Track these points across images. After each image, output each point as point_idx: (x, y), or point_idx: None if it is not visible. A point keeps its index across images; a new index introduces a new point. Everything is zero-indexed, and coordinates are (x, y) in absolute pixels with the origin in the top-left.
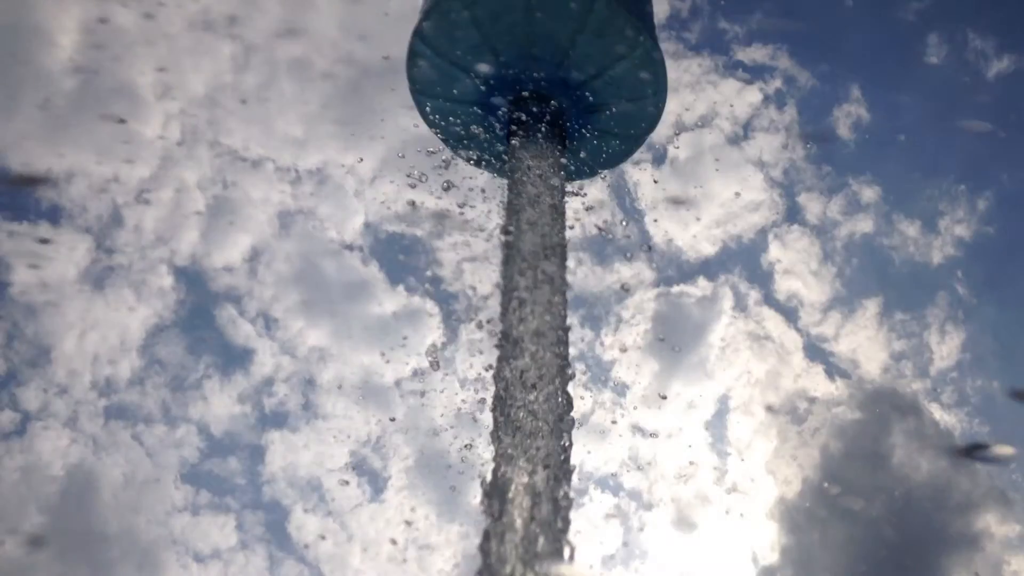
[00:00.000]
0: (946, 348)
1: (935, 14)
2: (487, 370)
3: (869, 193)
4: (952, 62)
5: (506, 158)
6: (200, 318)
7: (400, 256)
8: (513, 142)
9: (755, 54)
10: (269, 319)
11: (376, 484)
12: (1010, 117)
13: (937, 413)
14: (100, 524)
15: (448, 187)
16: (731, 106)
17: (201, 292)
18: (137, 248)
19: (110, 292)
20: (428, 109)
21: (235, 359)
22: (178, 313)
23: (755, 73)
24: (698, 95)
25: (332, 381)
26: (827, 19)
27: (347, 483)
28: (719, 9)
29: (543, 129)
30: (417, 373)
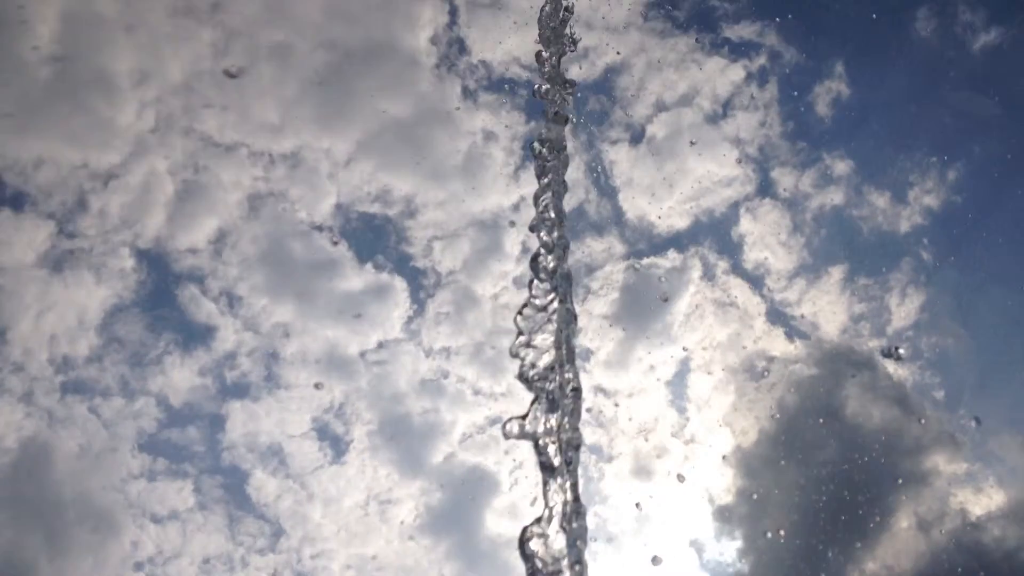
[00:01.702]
0: (905, 310)
1: None
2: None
3: (841, 167)
4: (940, 35)
5: None
6: (162, 298)
7: (370, 235)
8: None
9: (743, 31)
10: (233, 297)
11: (338, 447)
12: (990, 90)
13: (890, 367)
14: (54, 492)
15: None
16: (716, 82)
17: (164, 273)
18: (100, 232)
19: (69, 274)
20: None
21: (196, 336)
22: (139, 294)
23: (741, 51)
24: (682, 74)
25: (295, 355)
26: None
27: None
28: None
29: None
30: (382, 344)
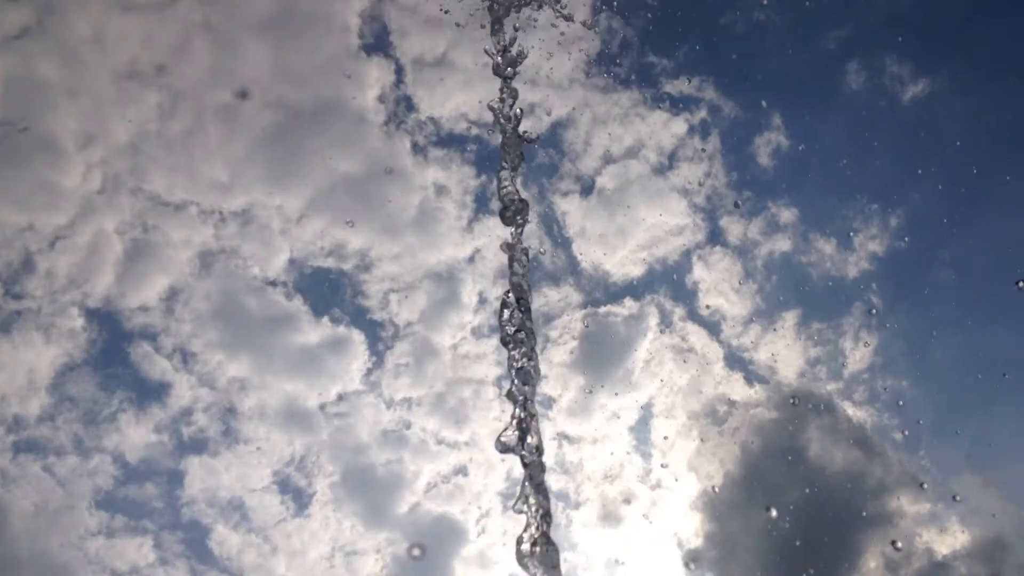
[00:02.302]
0: (859, 353)
1: (856, 41)
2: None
3: (787, 215)
4: (870, 87)
5: None
6: (114, 356)
7: (325, 289)
8: None
9: (681, 86)
10: (187, 354)
11: (301, 500)
12: (921, 138)
13: (850, 410)
14: (10, 550)
15: None
16: (660, 135)
17: (115, 331)
18: (48, 292)
19: (17, 335)
20: None
21: (151, 393)
22: (90, 352)
23: (682, 104)
24: (627, 128)
25: (253, 409)
26: (753, 49)
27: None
28: (648, 43)
29: None
30: (342, 396)
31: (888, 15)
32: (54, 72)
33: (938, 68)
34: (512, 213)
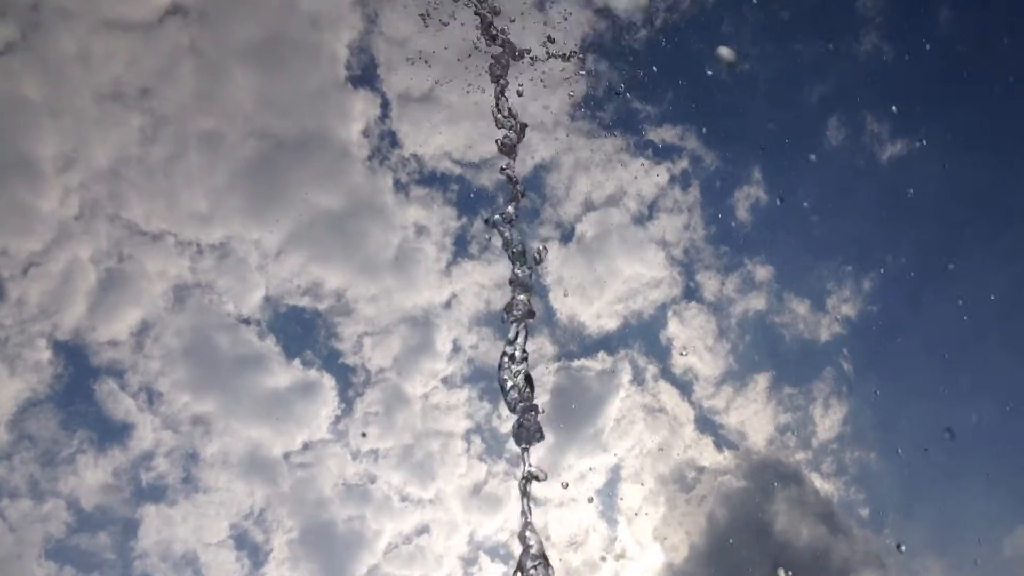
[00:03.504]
0: (829, 421)
1: (836, 98)
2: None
3: (763, 272)
4: (850, 146)
5: None
6: (78, 392)
7: (299, 330)
8: None
9: (665, 135)
10: (153, 393)
11: (257, 557)
12: (899, 199)
13: (817, 482)
14: None
15: None
16: (641, 184)
17: (81, 366)
18: (17, 322)
19: None
20: None
21: (112, 433)
22: (54, 388)
23: (663, 154)
24: (608, 174)
25: (216, 455)
26: (735, 101)
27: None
28: (633, 90)
29: None
30: (307, 445)
31: (869, 73)
32: (37, 91)
33: (917, 129)
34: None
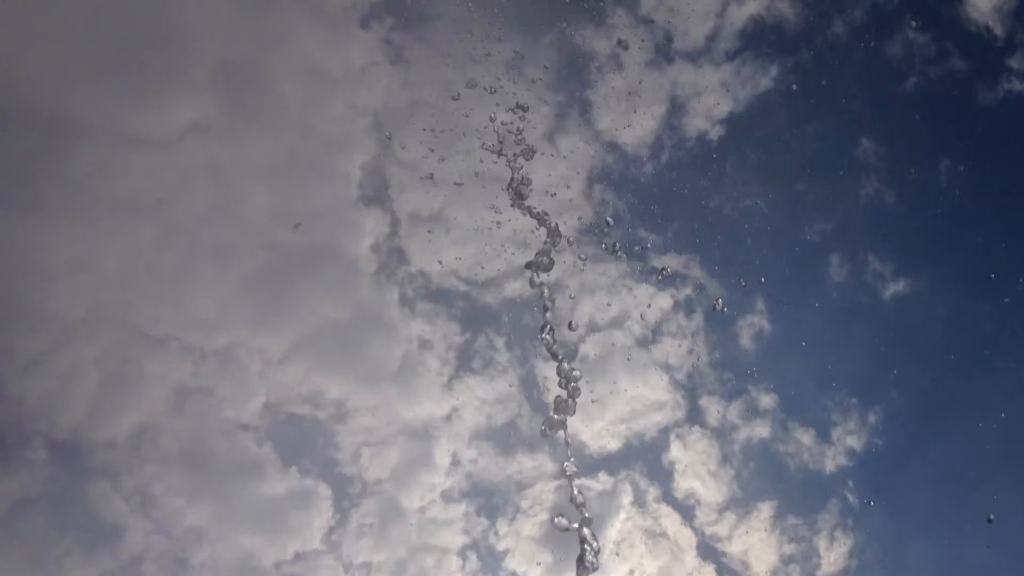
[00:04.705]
0: (834, 554)
1: (839, 236)
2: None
3: (767, 400)
4: (852, 282)
5: None
6: (71, 493)
7: (297, 438)
8: None
9: (669, 262)
10: (146, 497)
11: None
12: (901, 337)
13: None
14: None
15: None
16: (646, 309)
17: (77, 467)
18: (15, 420)
19: None
20: None
21: (102, 537)
22: (47, 487)
23: (668, 280)
24: (613, 297)
25: (206, 562)
26: (738, 233)
27: None
28: (639, 217)
29: None
30: (299, 556)
31: (871, 213)
32: (55, 197)
33: (919, 268)
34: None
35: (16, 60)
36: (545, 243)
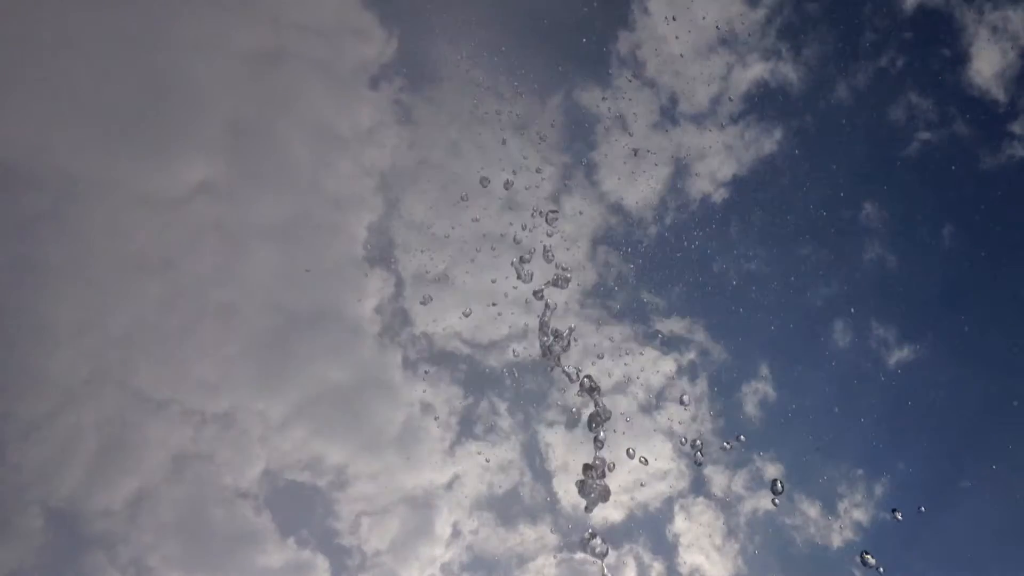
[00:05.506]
0: None
1: (842, 301)
2: None
3: (772, 470)
4: (856, 349)
5: None
6: (65, 563)
7: (296, 506)
8: None
9: (673, 326)
10: (142, 568)
11: None
12: (907, 405)
13: None
14: None
15: None
16: (654, 372)
17: (72, 536)
18: (13, 487)
19: None
20: None
21: None
22: (41, 557)
23: (671, 344)
24: (616, 361)
25: None
26: (743, 298)
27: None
28: (643, 280)
29: None
30: None
31: (874, 277)
32: (61, 257)
33: (923, 334)
34: None
35: (25, 119)
36: (597, 408)
